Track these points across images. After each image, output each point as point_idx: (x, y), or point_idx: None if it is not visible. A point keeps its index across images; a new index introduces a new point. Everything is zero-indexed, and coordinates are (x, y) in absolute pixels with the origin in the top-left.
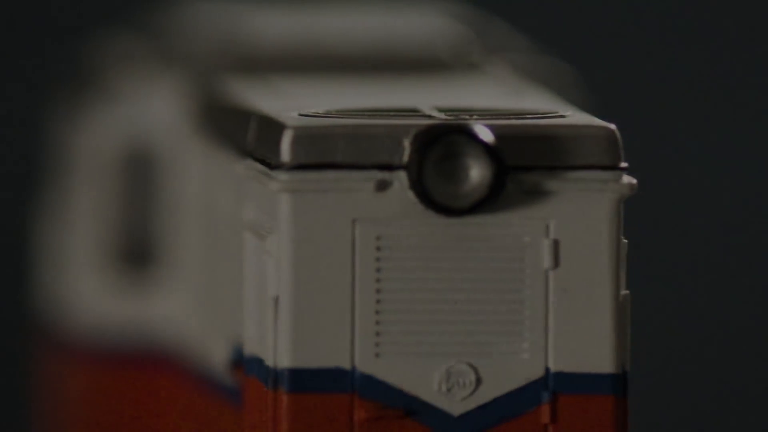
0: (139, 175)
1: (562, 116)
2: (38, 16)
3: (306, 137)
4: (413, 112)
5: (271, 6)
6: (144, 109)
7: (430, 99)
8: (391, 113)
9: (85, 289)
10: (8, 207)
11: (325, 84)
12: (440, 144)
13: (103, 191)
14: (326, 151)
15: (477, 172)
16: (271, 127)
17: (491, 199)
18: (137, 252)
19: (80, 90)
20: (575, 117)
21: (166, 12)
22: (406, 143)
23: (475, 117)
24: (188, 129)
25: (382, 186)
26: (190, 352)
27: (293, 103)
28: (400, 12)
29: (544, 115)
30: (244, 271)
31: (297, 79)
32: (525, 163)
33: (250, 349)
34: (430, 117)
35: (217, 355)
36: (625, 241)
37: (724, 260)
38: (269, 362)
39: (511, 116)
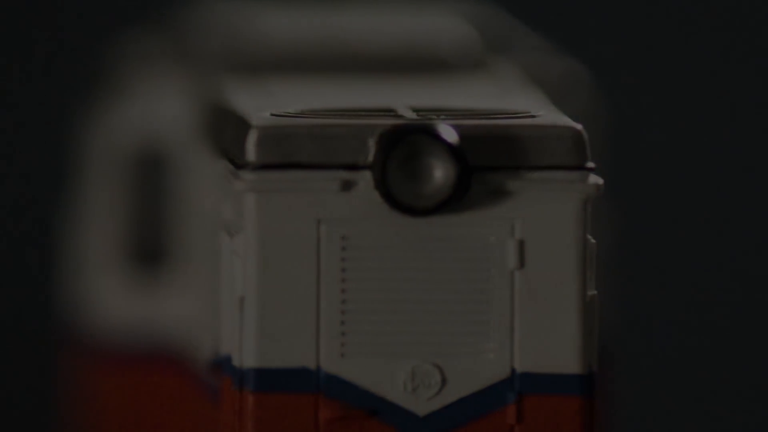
0: (152, 175)
1: (532, 116)
2: (53, 16)
3: (271, 137)
4: (386, 112)
5: (282, 5)
6: (158, 109)
7: (422, 99)
8: (363, 113)
9: (102, 288)
10: (28, 206)
11: (324, 83)
12: (404, 144)
13: (117, 190)
14: (292, 151)
15: (441, 173)
16: (241, 127)
17: (455, 199)
18: (151, 251)
19: (97, 89)
20: (545, 117)
21: (181, 11)
22: (371, 143)
23: (442, 117)
24: (193, 129)
25: (347, 186)
26: (191, 352)
27: (281, 103)
28: (408, 11)
29: (513, 116)
30: (221, 272)
31: (300, 79)
32: (490, 163)
33: (226, 349)
34: (398, 117)
35: (205, 356)
36: (593, 241)
37: (722, 261)
38: (236, 362)
39: (480, 116)
